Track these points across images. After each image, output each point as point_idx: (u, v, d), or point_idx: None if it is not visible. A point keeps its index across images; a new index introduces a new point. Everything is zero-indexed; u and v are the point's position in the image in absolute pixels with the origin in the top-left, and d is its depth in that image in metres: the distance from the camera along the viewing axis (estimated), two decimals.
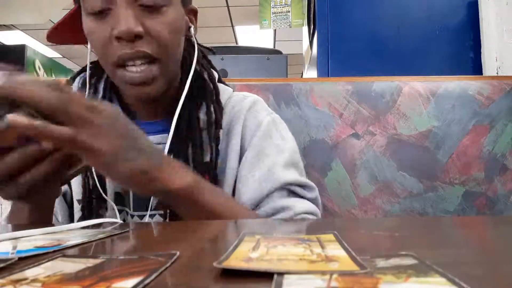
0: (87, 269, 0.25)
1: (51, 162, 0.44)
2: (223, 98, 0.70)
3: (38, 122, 0.40)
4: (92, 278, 0.22)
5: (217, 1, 4.50)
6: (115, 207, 0.63)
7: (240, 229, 0.46)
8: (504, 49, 1.38)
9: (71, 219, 0.68)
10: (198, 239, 0.38)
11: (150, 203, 0.64)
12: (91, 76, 0.70)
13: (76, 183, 0.67)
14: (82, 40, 0.67)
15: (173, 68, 0.65)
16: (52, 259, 0.27)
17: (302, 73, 2.82)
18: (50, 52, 5.66)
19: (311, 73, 1.94)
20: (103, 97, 0.68)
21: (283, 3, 2.53)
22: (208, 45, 0.78)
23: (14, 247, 0.32)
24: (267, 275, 0.22)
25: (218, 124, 0.66)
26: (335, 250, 0.28)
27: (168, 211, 0.64)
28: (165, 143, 0.64)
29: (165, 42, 0.60)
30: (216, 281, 0.22)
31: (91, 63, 0.69)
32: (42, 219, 0.53)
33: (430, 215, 0.95)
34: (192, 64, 0.67)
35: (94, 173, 0.64)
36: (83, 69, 0.72)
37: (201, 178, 0.54)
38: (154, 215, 0.65)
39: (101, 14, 0.58)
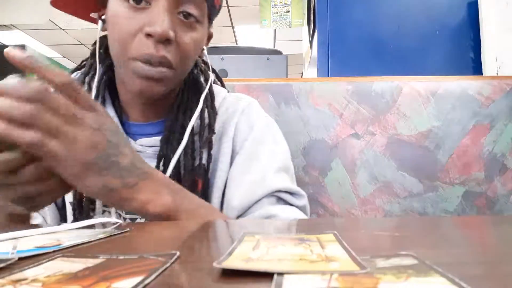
0: (87, 269, 0.25)
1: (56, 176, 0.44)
2: (217, 100, 0.70)
3: (2, 125, 0.39)
4: (92, 278, 0.22)
5: None
6: (89, 209, 0.62)
7: (240, 229, 0.46)
8: (504, 49, 1.38)
9: (62, 221, 0.68)
10: (198, 239, 0.38)
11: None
12: (85, 74, 0.69)
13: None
14: (85, 16, 0.67)
15: (181, 78, 0.66)
16: (52, 259, 0.27)
17: (302, 73, 2.82)
18: (50, 52, 5.67)
19: (311, 73, 1.94)
20: (96, 96, 0.68)
21: (283, 3, 2.53)
22: (208, 45, 0.78)
23: (14, 247, 0.32)
24: (267, 275, 0.22)
25: (211, 129, 0.66)
26: (335, 250, 0.28)
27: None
28: (158, 146, 0.64)
29: (187, 56, 0.61)
30: (216, 281, 0.22)
31: (84, 60, 0.69)
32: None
33: (430, 215, 0.95)
34: (199, 80, 0.68)
35: None
36: (77, 68, 0.71)
37: (181, 195, 0.52)
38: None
39: (137, 4, 0.58)
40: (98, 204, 0.63)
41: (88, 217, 0.63)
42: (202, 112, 0.66)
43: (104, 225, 0.47)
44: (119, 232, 0.40)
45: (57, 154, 0.41)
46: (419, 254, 0.25)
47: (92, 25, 0.69)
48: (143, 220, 0.65)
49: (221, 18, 5.38)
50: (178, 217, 0.51)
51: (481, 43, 1.43)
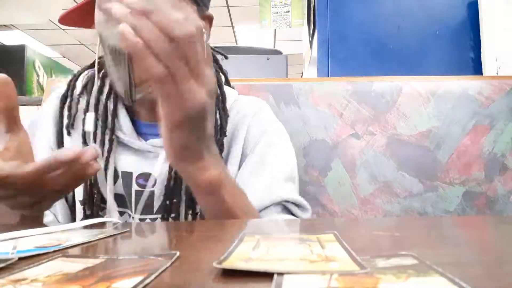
0: (87, 269, 0.25)
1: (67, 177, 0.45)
2: (228, 101, 0.70)
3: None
4: (92, 278, 0.22)
5: (217, 1, 4.50)
6: (99, 207, 0.62)
7: (240, 229, 0.46)
8: (504, 49, 1.38)
9: (72, 220, 0.68)
10: (198, 239, 0.38)
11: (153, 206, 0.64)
12: (98, 70, 0.69)
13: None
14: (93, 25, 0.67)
15: None
16: (52, 259, 0.27)
17: (302, 73, 2.82)
18: (50, 52, 5.67)
19: (311, 73, 1.94)
20: (109, 92, 0.68)
21: (283, 3, 2.53)
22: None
23: (14, 247, 0.32)
24: (267, 275, 0.22)
25: (222, 131, 0.66)
26: (335, 250, 0.28)
27: (169, 214, 0.64)
28: None
29: None
30: (216, 281, 0.22)
31: (101, 57, 0.69)
32: (32, 221, 0.53)
33: (430, 215, 0.95)
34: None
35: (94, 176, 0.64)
36: (89, 66, 0.72)
37: (227, 176, 0.53)
38: (156, 218, 0.65)
39: None
40: (110, 201, 0.63)
41: (98, 215, 0.64)
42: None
43: (104, 225, 0.47)
44: (119, 232, 0.40)
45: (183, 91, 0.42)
46: (419, 254, 0.25)
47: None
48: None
49: (221, 18, 5.37)
50: (223, 191, 0.51)
51: (481, 43, 1.43)
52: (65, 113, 0.69)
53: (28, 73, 3.64)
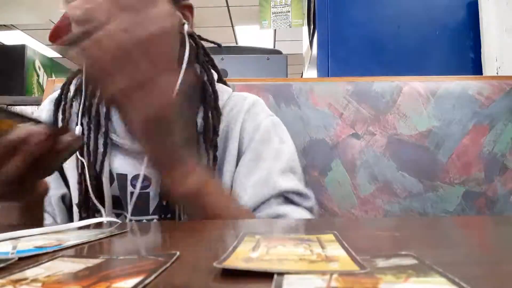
0: (87, 269, 0.25)
1: (23, 156, 0.44)
2: (222, 99, 0.69)
3: None
4: (92, 278, 0.22)
5: (217, 1, 4.50)
6: (95, 210, 0.62)
7: (240, 229, 0.46)
8: (504, 49, 1.38)
9: (70, 222, 0.68)
10: (198, 239, 0.38)
11: (149, 207, 0.64)
12: None
13: (74, 187, 0.67)
14: None
15: None
16: (52, 259, 0.27)
17: (302, 73, 2.82)
18: (50, 52, 5.66)
19: (311, 73, 1.94)
20: (101, 96, 0.68)
21: (283, 3, 2.53)
22: (208, 45, 0.77)
23: (14, 247, 0.32)
24: (267, 275, 0.22)
25: (215, 130, 0.65)
26: (335, 250, 0.28)
27: (164, 215, 0.64)
28: None
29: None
30: (216, 281, 0.22)
31: None
32: (32, 219, 0.53)
33: (430, 215, 0.95)
34: (190, 63, 0.65)
35: (89, 178, 0.63)
36: (81, 70, 0.71)
37: (213, 181, 0.54)
38: (152, 219, 0.65)
39: None
40: (107, 203, 0.63)
41: (94, 218, 0.64)
42: (206, 113, 0.66)
43: (104, 225, 0.47)
44: (119, 232, 0.40)
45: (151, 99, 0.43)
46: (419, 254, 0.25)
47: None
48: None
49: (221, 18, 5.37)
50: (204, 199, 0.52)
51: (481, 43, 1.43)
52: (59, 116, 0.69)
53: (28, 73, 3.64)
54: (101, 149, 0.65)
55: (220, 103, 0.68)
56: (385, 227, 0.47)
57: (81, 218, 0.65)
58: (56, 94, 0.71)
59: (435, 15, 1.49)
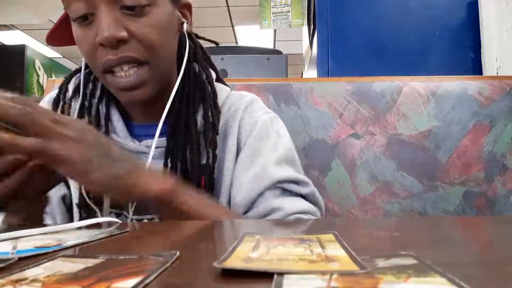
0: (87, 269, 0.25)
1: (24, 172, 0.45)
2: (220, 98, 0.69)
3: (4, 135, 0.41)
4: (92, 278, 0.22)
5: (217, 1, 4.50)
6: (95, 210, 0.63)
7: (240, 229, 0.46)
8: (504, 49, 1.38)
9: (70, 222, 0.68)
10: (198, 239, 0.38)
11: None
12: (90, 73, 0.69)
13: (74, 187, 0.66)
14: None
15: (165, 68, 0.63)
16: (52, 259, 0.27)
17: (302, 73, 2.82)
18: (50, 52, 5.66)
19: (311, 73, 1.94)
20: (101, 95, 0.68)
21: (283, 3, 2.53)
22: (208, 45, 0.77)
23: (14, 247, 0.32)
24: (267, 275, 0.22)
25: (214, 129, 0.65)
26: (335, 250, 0.28)
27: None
28: (163, 147, 0.64)
29: (152, 44, 0.58)
30: (216, 281, 0.22)
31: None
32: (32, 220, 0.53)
33: (430, 215, 0.95)
34: (189, 62, 0.66)
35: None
36: (79, 69, 0.71)
37: (182, 184, 0.54)
38: (153, 219, 0.65)
39: (85, 20, 0.57)
40: (106, 204, 0.63)
41: (94, 218, 0.64)
42: (205, 111, 0.66)
43: (104, 225, 0.47)
44: (119, 232, 0.40)
45: (59, 153, 0.44)
46: (419, 254, 0.25)
47: None
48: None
49: (221, 18, 5.37)
50: (181, 198, 0.52)
51: (481, 43, 1.43)
52: None
53: (28, 73, 3.64)
54: None
55: (219, 102, 0.68)
56: (385, 227, 0.47)
57: (81, 218, 0.64)
58: (54, 93, 0.70)
59: (435, 15, 1.49)
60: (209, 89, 0.68)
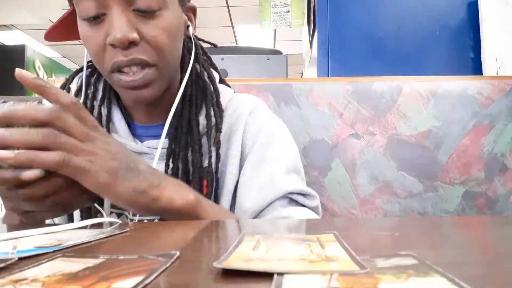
0: (87, 269, 0.25)
1: (74, 189, 0.46)
2: (224, 100, 0.69)
3: (27, 152, 0.42)
4: (92, 278, 0.22)
5: (217, 1, 4.50)
6: (96, 210, 0.63)
7: (240, 229, 0.46)
8: (504, 49, 1.38)
9: (70, 222, 0.68)
10: (198, 239, 0.38)
11: None
12: (90, 75, 0.69)
13: None
14: (78, 38, 0.67)
15: (171, 70, 0.64)
16: (52, 259, 0.27)
17: (302, 73, 2.82)
18: (50, 52, 5.66)
19: (311, 73, 1.94)
20: (103, 97, 0.68)
21: (283, 3, 2.53)
22: (208, 45, 0.77)
23: (14, 247, 0.32)
24: (267, 275, 0.22)
25: (218, 128, 0.65)
26: (335, 250, 0.28)
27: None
28: (164, 148, 0.64)
29: (162, 47, 0.58)
30: (216, 281, 0.22)
31: (90, 61, 0.68)
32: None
33: (430, 215, 0.95)
34: (193, 63, 0.66)
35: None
36: (80, 69, 0.71)
37: (201, 196, 0.54)
38: (153, 219, 0.65)
39: (95, 19, 0.57)
40: (106, 205, 0.63)
41: (95, 217, 0.64)
42: (208, 110, 0.66)
43: (104, 225, 0.47)
44: (119, 232, 0.40)
45: (84, 168, 0.44)
46: (419, 254, 0.25)
47: None
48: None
49: (221, 18, 5.36)
50: (202, 211, 0.52)
51: (481, 43, 1.43)
52: None
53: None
54: None
55: (222, 103, 0.68)
56: (385, 227, 0.47)
57: (81, 219, 0.64)
58: None
59: (435, 15, 1.49)
60: (211, 88, 0.68)
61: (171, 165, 0.64)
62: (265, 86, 0.99)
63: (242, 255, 0.26)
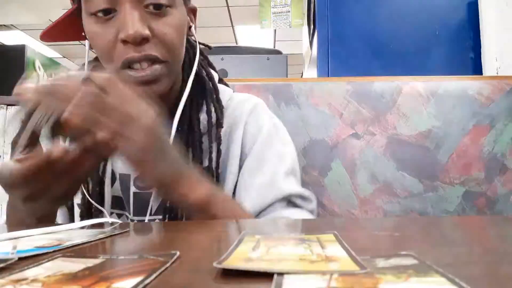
0: (87, 269, 0.25)
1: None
2: (223, 99, 0.69)
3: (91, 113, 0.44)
4: (92, 278, 0.22)
5: (217, 1, 4.50)
6: (97, 210, 0.63)
7: (240, 229, 0.46)
8: (504, 49, 1.38)
9: (71, 222, 0.68)
10: (198, 239, 0.38)
11: (150, 207, 0.64)
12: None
13: None
14: (77, 38, 0.67)
15: (178, 67, 0.65)
16: (52, 259, 0.27)
17: (302, 73, 2.82)
18: (50, 52, 5.66)
19: (311, 73, 1.94)
20: None
21: (283, 3, 2.53)
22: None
23: (14, 247, 0.32)
24: (267, 275, 0.22)
25: (219, 123, 0.66)
26: (335, 250, 0.28)
27: (167, 215, 0.64)
28: None
29: (171, 44, 0.60)
30: (216, 281, 0.22)
31: (90, 61, 0.68)
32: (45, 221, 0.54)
33: (430, 215, 0.95)
34: (193, 63, 0.66)
35: (89, 178, 0.64)
36: (83, 68, 0.71)
37: (216, 192, 0.55)
38: (154, 220, 0.65)
39: (104, 15, 0.57)
40: (107, 206, 0.63)
41: (95, 218, 0.64)
42: (208, 107, 0.66)
43: (104, 225, 0.47)
44: (119, 232, 0.40)
45: (131, 139, 0.46)
46: (419, 254, 0.25)
47: None
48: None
49: (221, 18, 5.36)
50: (213, 208, 0.53)
51: (481, 43, 1.43)
52: None
53: (28, 73, 3.64)
54: None
55: (222, 102, 0.69)
56: (385, 227, 0.47)
57: (82, 218, 0.65)
58: None
59: (435, 15, 1.49)
60: (210, 84, 0.68)
61: None
62: (265, 86, 0.99)
63: (242, 255, 0.26)
